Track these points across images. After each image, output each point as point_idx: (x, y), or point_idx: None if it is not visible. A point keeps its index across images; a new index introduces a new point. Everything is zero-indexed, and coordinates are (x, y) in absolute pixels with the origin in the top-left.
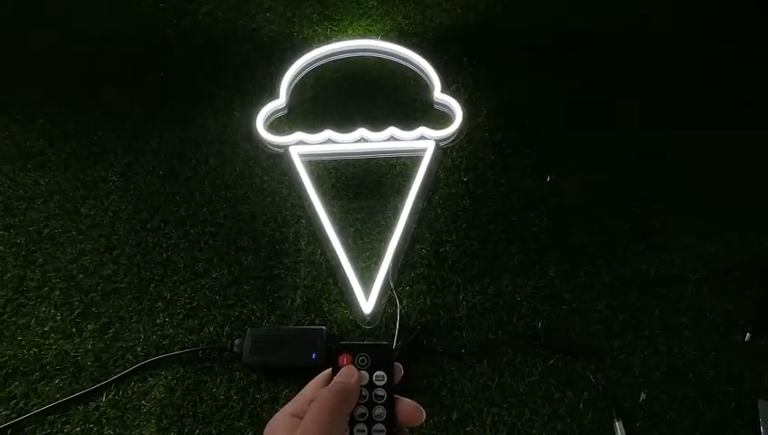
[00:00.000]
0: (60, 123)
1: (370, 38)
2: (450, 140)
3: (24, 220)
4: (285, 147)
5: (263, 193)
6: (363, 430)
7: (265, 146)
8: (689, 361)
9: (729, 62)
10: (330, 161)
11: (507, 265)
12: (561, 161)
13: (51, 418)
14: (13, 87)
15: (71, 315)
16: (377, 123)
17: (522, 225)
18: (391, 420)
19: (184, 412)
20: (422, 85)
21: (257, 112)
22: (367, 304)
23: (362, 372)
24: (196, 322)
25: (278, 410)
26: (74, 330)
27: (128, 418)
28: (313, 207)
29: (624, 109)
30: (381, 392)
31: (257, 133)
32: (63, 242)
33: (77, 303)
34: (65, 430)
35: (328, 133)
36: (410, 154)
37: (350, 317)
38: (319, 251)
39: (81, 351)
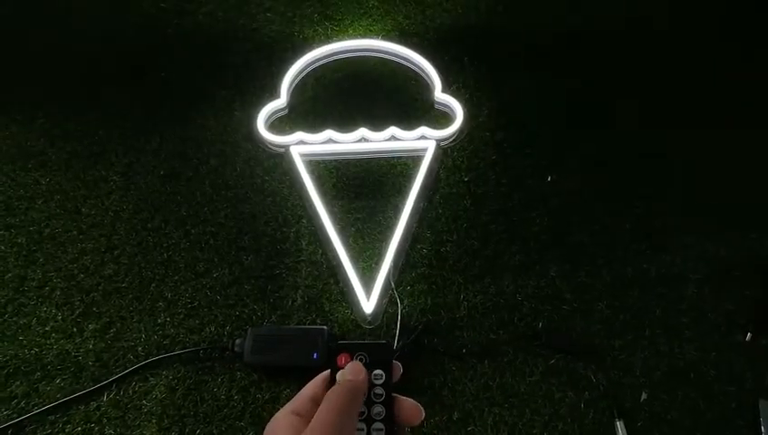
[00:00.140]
0: (60, 123)
1: (371, 38)
2: (451, 139)
3: (24, 220)
4: (286, 147)
5: (263, 193)
6: (362, 429)
7: (266, 146)
8: (690, 361)
9: (730, 61)
10: (330, 161)
11: (508, 264)
12: (561, 161)
13: (52, 418)
14: (13, 87)
15: (72, 315)
16: (377, 123)
17: (523, 224)
18: (390, 419)
19: (185, 412)
20: (423, 85)
21: (258, 112)
22: (368, 303)
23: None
24: (198, 321)
25: (279, 409)
26: (75, 330)
27: (129, 418)
28: (314, 207)
29: (625, 109)
30: (380, 391)
31: (258, 133)
32: (64, 242)
33: (78, 302)
34: (66, 430)
35: (329, 133)
36: (411, 154)
37: (352, 317)
38: (320, 251)
39: (82, 350)
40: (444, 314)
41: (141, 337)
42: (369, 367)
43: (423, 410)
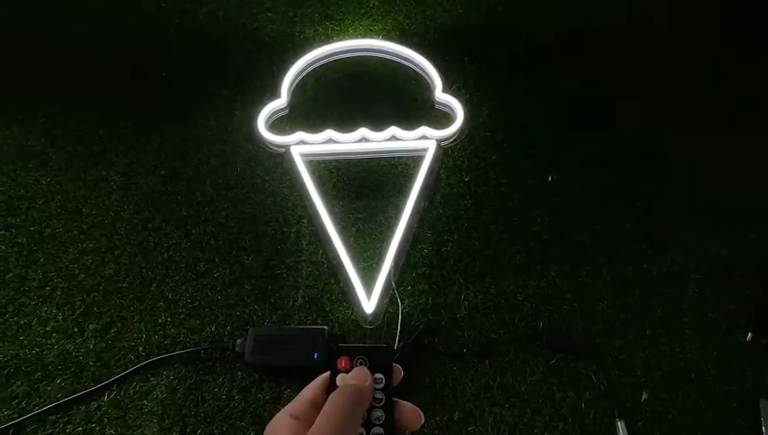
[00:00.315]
0: (61, 123)
1: (372, 38)
2: (451, 139)
3: (25, 220)
4: (287, 146)
5: (264, 193)
6: (362, 433)
7: (267, 146)
8: (691, 360)
9: (730, 61)
10: (331, 161)
11: (509, 264)
12: (562, 161)
13: (53, 418)
14: (13, 87)
15: (72, 315)
16: (378, 123)
17: (523, 224)
18: (390, 424)
19: (186, 412)
20: (423, 85)
21: (258, 112)
22: (368, 303)
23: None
24: (198, 321)
25: (280, 409)
26: (76, 330)
27: (129, 418)
28: (315, 207)
29: (625, 108)
30: (380, 395)
31: (258, 133)
32: (65, 242)
33: (79, 302)
34: (67, 430)
35: (329, 133)
36: (412, 154)
37: (352, 317)
38: (320, 251)
39: (82, 350)
40: (444, 313)
41: (142, 337)
42: (370, 371)
43: (422, 415)
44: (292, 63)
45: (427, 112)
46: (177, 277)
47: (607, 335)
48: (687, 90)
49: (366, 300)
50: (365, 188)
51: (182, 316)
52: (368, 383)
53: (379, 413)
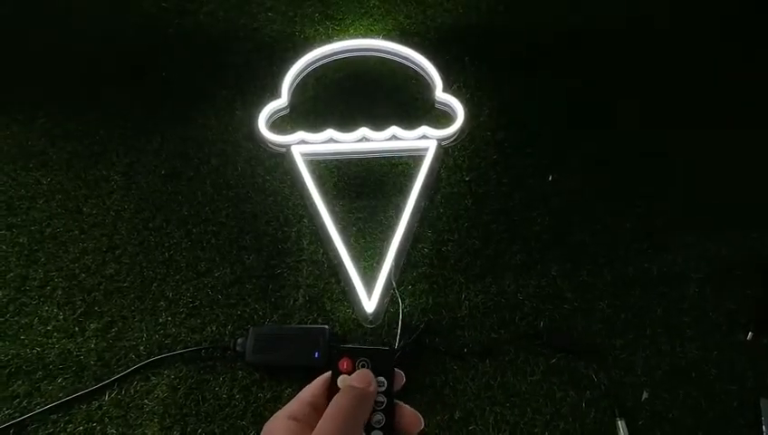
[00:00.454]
0: (61, 123)
1: (372, 37)
2: (452, 139)
3: (26, 220)
4: (287, 146)
5: (265, 192)
6: None
7: (267, 145)
8: (691, 360)
9: (731, 61)
10: (331, 161)
11: (509, 264)
12: (562, 161)
13: (54, 417)
14: (13, 87)
15: (73, 315)
16: (378, 123)
17: (524, 224)
18: (390, 427)
19: (186, 411)
20: (424, 85)
21: (259, 112)
22: (369, 303)
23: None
24: (199, 321)
25: (281, 408)
26: (77, 329)
27: (130, 417)
28: (315, 207)
29: (625, 108)
30: (381, 399)
31: (259, 133)
32: (66, 241)
33: (79, 302)
34: (68, 429)
35: (330, 133)
36: (412, 153)
37: (353, 316)
38: (321, 250)
39: (83, 350)
40: (445, 313)
41: (143, 336)
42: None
43: (422, 420)
44: (293, 63)
45: (427, 112)
46: (177, 277)
47: (607, 335)
48: (687, 90)
49: (367, 299)
50: (365, 187)
51: (183, 316)
52: (372, 387)
53: (379, 416)
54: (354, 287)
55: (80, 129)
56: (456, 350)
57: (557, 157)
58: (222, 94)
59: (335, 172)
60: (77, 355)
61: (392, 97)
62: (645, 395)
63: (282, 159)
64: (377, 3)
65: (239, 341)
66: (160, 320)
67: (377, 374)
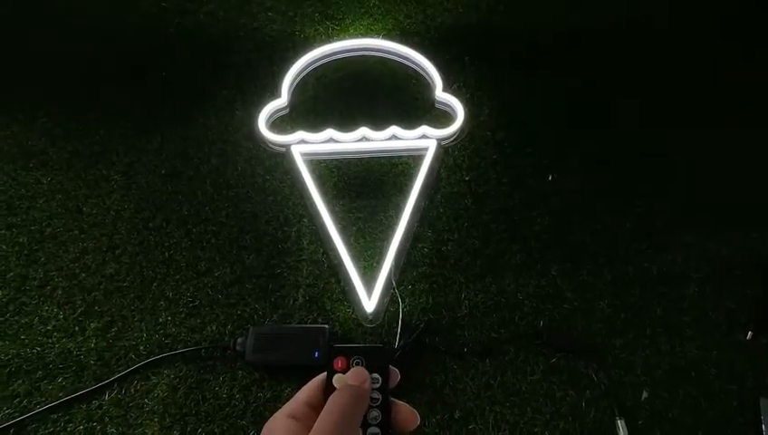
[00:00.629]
0: (61, 123)
1: (372, 37)
2: (452, 139)
3: (26, 219)
4: (287, 146)
5: (265, 192)
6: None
7: (267, 145)
8: (691, 359)
9: (731, 60)
10: (331, 160)
11: (509, 263)
12: (562, 160)
13: (54, 416)
14: (14, 87)
15: (73, 314)
16: (378, 122)
17: (524, 224)
18: (386, 424)
19: (186, 411)
20: (424, 84)
21: (259, 112)
22: (369, 302)
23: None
24: (199, 320)
25: (275, 412)
26: (77, 329)
27: (131, 416)
28: (315, 206)
29: (625, 108)
30: (376, 395)
31: (259, 132)
32: (66, 241)
33: (80, 302)
34: (68, 429)
35: (330, 132)
36: (412, 153)
37: (353, 316)
38: (321, 250)
39: (83, 349)
40: (445, 312)
41: (143, 336)
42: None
43: (418, 416)
44: (293, 63)
45: (427, 112)
46: (177, 276)
47: (607, 334)
48: (688, 89)
49: (366, 299)
50: (365, 187)
51: (183, 315)
52: (366, 384)
53: (375, 413)
54: (354, 287)
55: (80, 128)
56: (455, 349)
57: (557, 157)
58: (222, 94)
59: (335, 172)
60: (77, 355)
61: (392, 97)
62: (645, 395)
63: (282, 158)
64: (377, 2)
65: (239, 340)
66: (160, 319)
67: (371, 372)
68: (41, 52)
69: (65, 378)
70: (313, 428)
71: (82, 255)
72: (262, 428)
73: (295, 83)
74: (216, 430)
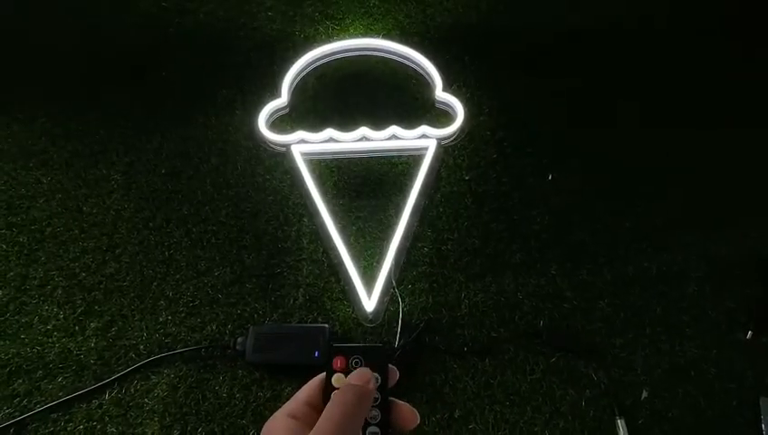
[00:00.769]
0: (62, 122)
1: (372, 37)
2: (452, 138)
3: (26, 219)
4: (287, 145)
5: (265, 192)
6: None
7: (267, 145)
8: (691, 358)
9: (731, 60)
10: (331, 160)
11: (509, 263)
12: (562, 160)
13: (54, 416)
14: (14, 86)
15: (73, 314)
16: (378, 122)
17: (523, 223)
18: (386, 423)
19: (187, 410)
20: (423, 84)
21: (259, 111)
22: (369, 302)
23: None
24: (199, 320)
25: (275, 412)
26: (77, 328)
27: (131, 416)
28: (315, 206)
29: (625, 107)
30: (376, 395)
31: (259, 132)
32: (66, 240)
33: (80, 301)
34: (68, 428)
35: (329, 132)
36: (412, 153)
37: (353, 315)
38: (321, 249)
39: (83, 349)
40: (445, 312)
41: (143, 335)
42: None
43: (418, 415)
44: (293, 63)
45: (427, 111)
46: (177, 276)
47: (607, 334)
48: (688, 89)
49: (366, 298)
50: (365, 186)
51: (183, 315)
52: (371, 385)
53: (374, 412)
54: (354, 286)
55: (80, 128)
56: (455, 349)
57: (557, 156)
58: (222, 94)
59: (335, 171)
60: (77, 354)
61: (392, 96)
62: (644, 394)
63: (282, 158)
64: (377, 2)
65: (239, 340)
66: (160, 319)
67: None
68: (41, 52)
69: (65, 377)
70: (317, 425)
71: (82, 254)
72: (262, 427)
73: (295, 83)
74: (216, 430)
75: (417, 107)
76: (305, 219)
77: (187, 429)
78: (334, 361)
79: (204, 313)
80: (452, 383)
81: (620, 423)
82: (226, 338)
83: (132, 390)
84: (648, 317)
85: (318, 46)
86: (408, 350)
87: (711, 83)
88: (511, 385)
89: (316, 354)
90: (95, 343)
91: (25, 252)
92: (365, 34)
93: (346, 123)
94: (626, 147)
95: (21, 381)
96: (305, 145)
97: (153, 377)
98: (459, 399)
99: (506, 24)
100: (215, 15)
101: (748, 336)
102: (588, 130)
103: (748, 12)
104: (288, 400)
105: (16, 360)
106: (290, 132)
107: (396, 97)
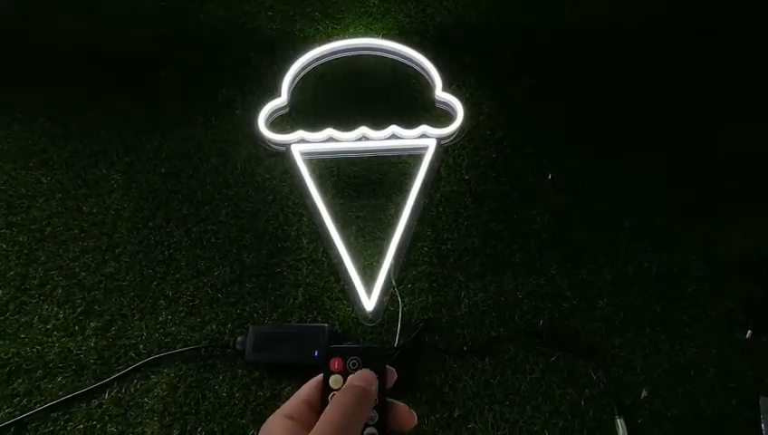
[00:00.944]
0: (61, 122)
1: (372, 36)
2: (451, 138)
3: (26, 219)
4: (287, 145)
5: (264, 191)
6: None
7: (267, 144)
8: (690, 358)
9: (731, 60)
10: (331, 159)
11: (509, 262)
12: (562, 160)
13: (54, 415)
14: (14, 86)
15: (73, 313)
16: (378, 122)
17: (523, 223)
18: (383, 424)
19: (186, 410)
20: (423, 84)
21: (259, 111)
22: (369, 301)
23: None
24: (199, 319)
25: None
26: (77, 328)
27: (130, 415)
28: (315, 205)
29: (625, 107)
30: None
31: (259, 132)
32: (66, 240)
33: (79, 301)
34: (68, 428)
35: (329, 131)
36: (412, 152)
37: (353, 315)
38: (321, 249)
39: (83, 348)
40: (445, 311)
41: (143, 335)
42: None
43: (415, 416)
44: (293, 62)
45: (427, 111)
46: (177, 275)
47: (606, 333)
48: (687, 89)
49: (366, 298)
50: (365, 186)
51: (183, 314)
52: (373, 388)
53: (372, 413)
54: (354, 286)
55: (80, 128)
56: (455, 348)
57: (556, 156)
58: (222, 93)
59: (335, 171)
60: (77, 354)
61: (392, 96)
62: (644, 393)
63: (281, 157)
64: (376, 2)
65: (239, 339)
66: (160, 318)
67: None
68: (41, 52)
69: (65, 377)
70: (317, 424)
71: (82, 254)
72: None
73: (295, 83)
74: (215, 429)
75: (416, 107)
76: (305, 219)
77: (186, 428)
78: (331, 362)
79: (203, 312)
80: (452, 383)
81: (620, 423)
82: (226, 337)
83: (132, 389)
84: (647, 317)
85: (318, 46)
86: (407, 349)
87: (711, 83)
88: (510, 385)
89: (316, 354)
90: (95, 343)
91: (25, 251)
92: (365, 34)
93: (346, 123)
94: (626, 146)
95: (21, 380)
96: (305, 145)
97: (153, 376)
98: (459, 398)
99: (506, 24)
100: (215, 15)
101: (747, 336)
102: (587, 131)
103: (748, 12)
104: (288, 398)
105: (16, 359)
106: (290, 132)
107: (395, 97)
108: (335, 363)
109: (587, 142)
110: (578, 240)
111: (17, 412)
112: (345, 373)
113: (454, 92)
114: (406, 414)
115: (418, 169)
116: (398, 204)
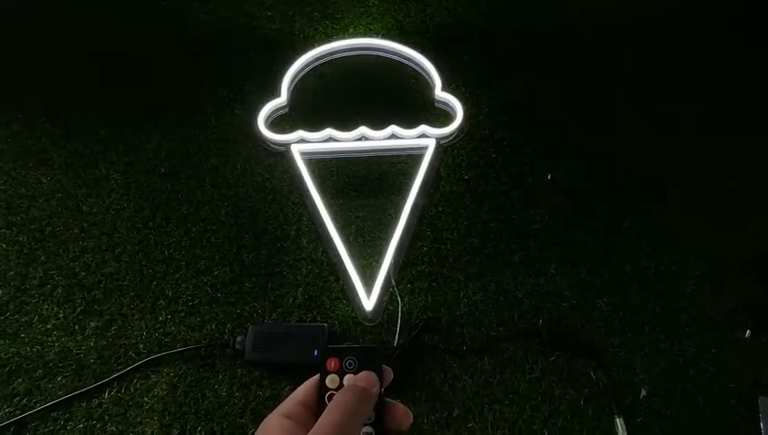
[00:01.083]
0: (61, 122)
1: (371, 36)
2: (451, 138)
3: (26, 218)
4: (287, 145)
5: (264, 191)
6: None
7: (267, 144)
8: (689, 357)
9: (731, 60)
10: (331, 159)
11: (508, 262)
12: (561, 160)
13: (54, 415)
14: (14, 86)
15: (73, 313)
16: (378, 121)
17: (522, 222)
18: (380, 423)
19: (186, 409)
20: (423, 83)
21: (258, 111)
22: (368, 301)
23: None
24: (198, 319)
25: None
26: (77, 327)
27: (130, 415)
28: (315, 205)
29: (625, 107)
30: None
31: (259, 131)
32: (65, 240)
33: (79, 300)
34: (68, 427)
35: (329, 131)
36: (411, 152)
37: (352, 314)
38: (320, 249)
39: (83, 348)
40: (444, 311)
41: (143, 335)
42: (359, 371)
43: (412, 415)
44: (293, 62)
45: (426, 111)
46: (177, 275)
47: (606, 333)
48: (687, 90)
49: (366, 298)
50: (365, 186)
51: (182, 314)
52: (375, 389)
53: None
54: (353, 285)
55: (80, 128)
56: (454, 348)
57: (556, 156)
58: (222, 93)
59: (334, 171)
60: (77, 353)
61: (391, 96)
62: (643, 393)
63: (281, 157)
64: (376, 2)
65: (238, 339)
66: (160, 318)
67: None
68: (41, 52)
69: (65, 376)
70: (318, 422)
71: (82, 253)
72: None
73: (295, 82)
74: (215, 429)
75: (416, 106)
76: (304, 218)
77: (186, 427)
78: (328, 362)
79: (203, 312)
80: (451, 382)
81: (619, 422)
82: (226, 337)
83: (132, 389)
84: (646, 316)
85: (317, 46)
86: (407, 349)
87: (710, 83)
88: (510, 384)
89: (315, 353)
90: (95, 342)
91: (25, 251)
92: (364, 34)
93: (345, 123)
94: (625, 147)
95: (21, 380)
96: (305, 144)
97: (153, 376)
98: (458, 398)
99: (506, 23)
100: (215, 15)
101: (747, 335)
102: (587, 130)
103: (748, 12)
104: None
105: (16, 359)
106: (289, 132)
107: (395, 96)
108: (332, 363)
109: (586, 142)
110: (577, 240)
111: (17, 412)
112: (342, 373)
113: (453, 92)
114: (402, 413)
115: (418, 169)
116: (398, 204)
